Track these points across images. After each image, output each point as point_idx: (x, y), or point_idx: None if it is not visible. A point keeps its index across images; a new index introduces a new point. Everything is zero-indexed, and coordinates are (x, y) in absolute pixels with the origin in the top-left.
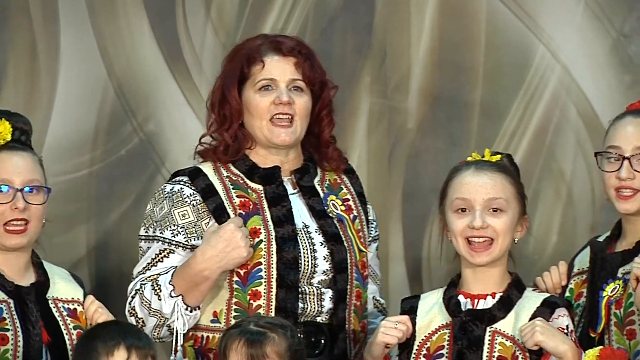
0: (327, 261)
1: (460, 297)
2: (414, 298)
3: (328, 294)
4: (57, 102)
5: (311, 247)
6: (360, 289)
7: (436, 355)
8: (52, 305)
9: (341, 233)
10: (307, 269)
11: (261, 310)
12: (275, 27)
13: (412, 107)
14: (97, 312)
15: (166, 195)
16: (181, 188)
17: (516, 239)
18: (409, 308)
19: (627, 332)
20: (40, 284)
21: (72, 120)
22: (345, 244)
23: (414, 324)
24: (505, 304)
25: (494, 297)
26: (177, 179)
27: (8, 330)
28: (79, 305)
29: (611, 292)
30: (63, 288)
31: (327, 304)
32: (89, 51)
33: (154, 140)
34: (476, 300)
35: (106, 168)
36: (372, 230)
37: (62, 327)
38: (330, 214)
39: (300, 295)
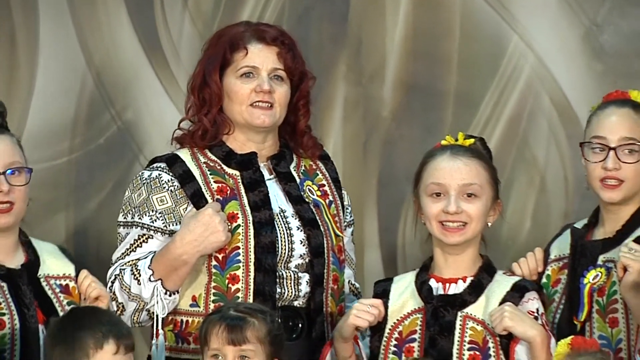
0: (304, 245)
1: (432, 282)
2: (387, 281)
3: (305, 278)
4: (37, 91)
5: (288, 231)
6: (337, 273)
7: (408, 339)
8: (44, 284)
9: (317, 218)
10: (284, 253)
11: (239, 294)
12: (252, 16)
13: (387, 96)
14: (91, 287)
15: (144, 181)
16: (159, 174)
17: (489, 223)
18: (382, 291)
19: (610, 320)
20: (30, 263)
21: (52, 109)
22: (322, 229)
23: (386, 307)
24: (476, 288)
25: (465, 281)
26: (154, 165)
27: (4, 314)
28: (70, 281)
29: (593, 280)
30: (53, 264)
31: (304, 288)
32: (68, 41)
33: (132, 128)
34: (447, 285)
35: (85, 156)
36: (347, 216)
37: (56, 304)
38: (307, 199)
39: (277, 280)
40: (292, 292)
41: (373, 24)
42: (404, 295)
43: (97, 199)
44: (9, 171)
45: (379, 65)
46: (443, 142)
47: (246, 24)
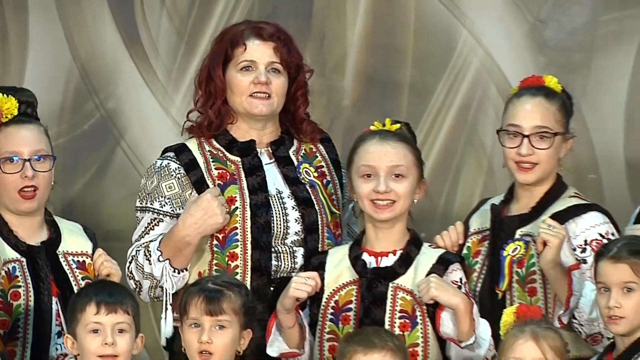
0: (298, 223)
1: (365, 256)
2: (323, 254)
3: (300, 251)
4: (27, 81)
5: (283, 211)
6: (332, 247)
7: (344, 309)
8: (62, 259)
9: (312, 197)
10: (280, 231)
11: (238, 270)
12: (223, 13)
13: (348, 86)
14: (103, 265)
15: (156, 170)
16: (168, 163)
17: (415, 200)
18: (318, 264)
19: (529, 290)
20: (51, 241)
21: (40, 99)
22: (317, 207)
23: (322, 278)
24: (405, 261)
25: (395, 254)
26: (165, 154)
27: (20, 287)
28: (87, 258)
29: (512, 252)
30: (73, 242)
31: (300, 261)
32: (55, 36)
33: (114, 116)
34: (379, 258)
35: (71, 141)
36: (346, 192)
37: (72, 279)
38: (303, 181)
39: (274, 254)
40: (288, 265)
41: (335, 20)
42: (339, 267)
43: (82, 180)
44: (35, 157)
45: (340, 58)
46: (372, 128)
47: (247, 22)
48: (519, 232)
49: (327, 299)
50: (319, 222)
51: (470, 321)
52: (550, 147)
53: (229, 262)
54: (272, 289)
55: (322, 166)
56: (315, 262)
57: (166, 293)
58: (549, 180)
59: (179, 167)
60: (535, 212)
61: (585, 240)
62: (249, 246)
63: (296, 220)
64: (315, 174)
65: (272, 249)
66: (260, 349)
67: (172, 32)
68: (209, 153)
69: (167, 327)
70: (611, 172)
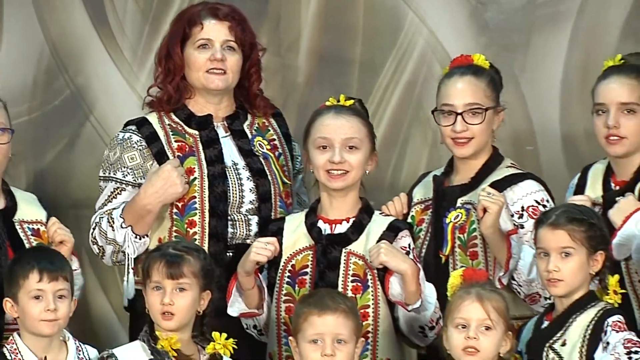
0: (252, 193)
1: (320, 223)
2: (280, 220)
3: (254, 220)
4: (1, 61)
5: (239, 181)
6: (284, 215)
7: (301, 273)
8: (18, 227)
9: (266, 169)
10: (236, 200)
11: (196, 237)
12: None
13: (302, 64)
14: (56, 233)
15: (118, 142)
16: (130, 135)
17: (367, 171)
18: (276, 229)
19: (470, 254)
20: (8, 209)
21: (14, 76)
22: (270, 178)
23: (280, 244)
24: (358, 228)
25: (348, 222)
26: (127, 127)
27: None
28: (41, 226)
29: (454, 220)
30: (28, 211)
31: (254, 228)
32: (28, 18)
33: (83, 91)
34: (334, 225)
35: (42, 116)
36: (297, 164)
37: (27, 245)
38: (257, 153)
39: (230, 222)
40: (244, 232)
41: (290, 2)
42: (296, 232)
43: (53, 153)
44: None
45: (294, 38)
46: (327, 103)
47: (203, 3)
48: (460, 201)
49: (284, 263)
50: (272, 192)
51: (417, 286)
52: (482, 122)
53: (188, 229)
54: (228, 254)
55: (275, 139)
56: (273, 228)
57: (128, 257)
58: (486, 152)
59: (140, 140)
60: (474, 182)
61: (522, 207)
62: (206, 214)
63: (251, 190)
64: (268, 147)
65: (228, 217)
66: (218, 310)
67: (137, 14)
68: (168, 126)
69: (129, 289)
70: (548, 145)
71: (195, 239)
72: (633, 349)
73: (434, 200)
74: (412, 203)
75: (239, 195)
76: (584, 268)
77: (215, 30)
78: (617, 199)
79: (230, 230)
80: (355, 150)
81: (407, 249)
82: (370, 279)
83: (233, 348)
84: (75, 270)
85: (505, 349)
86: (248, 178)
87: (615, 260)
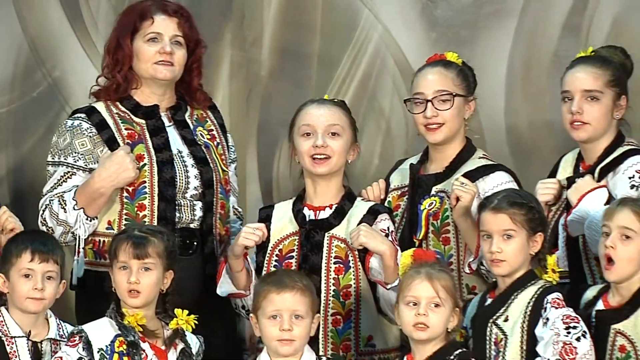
0: (197, 179)
1: (305, 210)
2: (269, 208)
3: (198, 205)
4: None
5: (184, 168)
6: (224, 201)
7: (287, 257)
8: None
9: (208, 157)
10: (182, 186)
11: (146, 220)
12: None
13: (265, 59)
14: (8, 221)
15: (68, 128)
16: (80, 123)
17: (349, 160)
18: (265, 216)
19: (443, 239)
20: None
21: None
22: (211, 166)
23: (268, 229)
24: (340, 213)
25: (331, 208)
26: (76, 115)
27: None
28: None
29: (429, 206)
30: None
31: (198, 213)
32: (7, 16)
33: (60, 84)
34: (318, 212)
35: (21, 107)
36: (231, 154)
37: None
38: (199, 142)
39: (176, 207)
40: (188, 217)
41: (253, 0)
42: (283, 219)
43: (31, 142)
44: None
45: (258, 34)
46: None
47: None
48: (434, 189)
49: (272, 247)
50: (214, 179)
51: (395, 266)
52: (451, 108)
53: (138, 212)
54: (176, 238)
55: (212, 130)
56: (262, 214)
57: (79, 238)
58: (459, 142)
59: (90, 127)
60: (448, 171)
61: None
62: (155, 198)
63: (195, 177)
64: (208, 137)
65: (176, 202)
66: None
67: (110, 11)
68: (116, 115)
69: (79, 268)
70: (493, 133)
71: (145, 222)
72: (571, 324)
73: (409, 187)
74: (389, 189)
75: (185, 181)
76: (525, 249)
77: (165, 25)
78: (576, 179)
79: (177, 214)
80: (337, 136)
81: (386, 232)
82: (352, 260)
83: (195, 324)
84: None
85: (452, 325)
86: (192, 165)
87: (573, 237)
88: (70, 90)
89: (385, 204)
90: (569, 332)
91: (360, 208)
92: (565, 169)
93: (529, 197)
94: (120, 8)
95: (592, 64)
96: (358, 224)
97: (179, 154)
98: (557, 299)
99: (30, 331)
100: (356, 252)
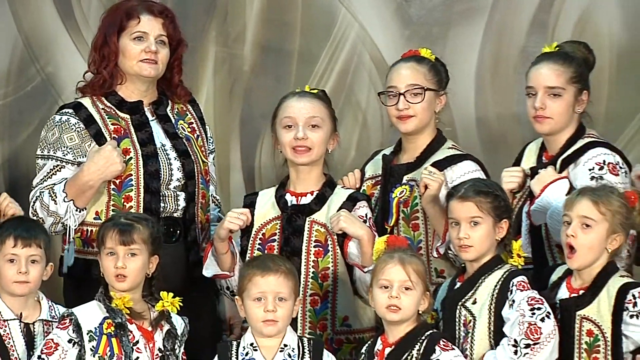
0: (180, 171)
1: (287, 196)
2: (253, 195)
3: (182, 196)
4: None
5: (168, 161)
6: (205, 191)
7: (270, 240)
8: None
9: (189, 149)
10: (166, 178)
11: (132, 210)
12: None
13: (247, 55)
14: (8, 207)
15: (56, 123)
16: (68, 118)
17: (329, 149)
18: (249, 202)
19: (412, 226)
20: None
21: None
22: (193, 158)
23: (252, 215)
24: (320, 199)
25: (312, 194)
26: (64, 111)
27: None
28: None
29: (399, 195)
30: None
31: (181, 203)
32: (2, 14)
33: (53, 79)
34: (299, 197)
35: (16, 100)
36: (210, 145)
37: None
38: (180, 135)
39: (161, 198)
40: (172, 206)
41: None
42: (266, 205)
43: (26, 133)
44: None
45: (240, 31)
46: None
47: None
48: (405, 178)
49: (255, 231)
50: (196, 170)
51: (371, 250)
52: (422, 101)
53: (125, 203)
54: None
55: (192, 123)
56: (247, 201)
57: (69, 228)
58: (429, 133)
59: (78, 122)
60: (419, 161)
61: None
62: (141, 190)
63: (178, 169)
64: (189, 129)
65: (160, 193)
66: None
67: (100, 9)
68: (102, 110)
69: (69, 257)
70: (464, 126)
71: (131, 212)
72: (536, 306)
73: (382, 176)
74: (365, 178)
75: (168, 173)
76: (491, 235)
77: (150, 25)
78: (539, 170)
79: (161, 204)
80: (317, 128)
81: (364, 218)
82: (331, 244)
83: (180, 306)
84: None
85: (423, 307)
86: (175, 158)
87: (536, 225)
88: (62, 84)
89: (361, 192)
90: (533, 313)
91: (340, 195)
92: (529, 158)
93: (495, 186)
94: (109, 6)
95: (555, 61)
96: (338, 210)
97: (162, 147)
98: (523, 282)
99: (22, 313)
100: (335, 237)
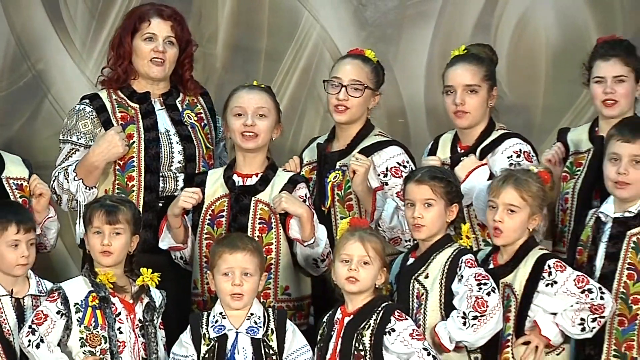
0: (180, 154)
1: (235, 176)
2: (203, 174)
3: (181, 177)
4: None
5: (169, 145)
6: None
7: (218, 216)
8: (5, 182)
9: (192, 135)
10: (166, 160)
11: (134, 189)
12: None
13: (220, 53)
14: (37, 187)
15: (75, 112)
16: (84, 107)
17: (273, 137)
18: (200, 181)
19: (347, 206)
20: None
21: None
22: (195, 143)
23: (203, 193)
24: (264, 180)
25: (257, 176)
26: (82, 101)
27: None
28: (24, 182)
29: (333, 179)
30: (14, 169)
31: (180, 183)
32: None
33: (43, 75)
34: (245, 179)
35: (10, 94)
36: (219, 133)
37: (12, 197)
38: (185, 123)
39: (162, 178)
40: (172, 187)
41: (209, 2)
42: (215, 184)
43: (19, 124)
44: None
45: (213, 31)
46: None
47: (151, 4)
48: (338, 164)
49: (205, 208)
50: (197, 154)
51: (311, 227)
52: (361, 97)
53: (127, 182)
54: (159, 203)
55: (201, 113)
56: (197, 180)
57: (79, 204)
58: (360, 123)
59: (92, 111)
60: (349, 148)
61: (387, 168)
62: (142, 171)
63: (179, 152)
64: (195, 118)
65: (160, 174)
66: (150, 246)
67: (86, 12)
68: (115, 101)
69: (80, 230)
70: (415, 118)
71: (133, 190)
72: (482, 281)
73: (317, 163)
74: (303, 164)
75: (169, 156)
76: (442, 216)
77: (159, 28)
78: (462, 158)
79: (161, 184)
80: (264, 117)
81: (304, 198)
82: (274, 222)
83: (160, 278)
84: (52, 217)
85: (380, 281)
86: (177, 142)
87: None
88: (52, 80)
89: None
90: (480, 288)
91: (282, 177)
92: (444, 147)
93: (448, 173)
94: (94, 9)
95: (470, 62)
96: (280, 192)
97: (167, 133)
98: (470, 259)
99: (12, 290)
100: (278, 215)
